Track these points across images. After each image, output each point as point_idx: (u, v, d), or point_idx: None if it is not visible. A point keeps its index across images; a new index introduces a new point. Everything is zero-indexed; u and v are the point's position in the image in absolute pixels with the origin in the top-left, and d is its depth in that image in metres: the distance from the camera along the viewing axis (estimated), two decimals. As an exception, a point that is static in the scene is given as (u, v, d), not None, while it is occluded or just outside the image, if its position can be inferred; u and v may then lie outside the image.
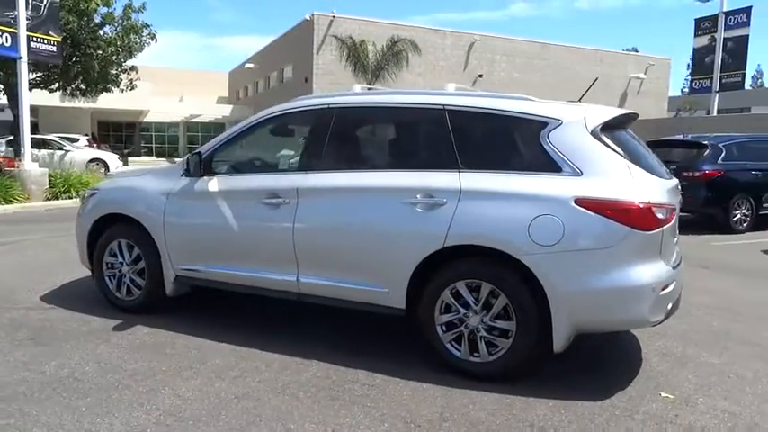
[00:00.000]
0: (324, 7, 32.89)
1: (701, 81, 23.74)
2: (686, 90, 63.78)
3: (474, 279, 3.47)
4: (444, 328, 3.59)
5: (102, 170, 20.42)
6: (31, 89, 13.88)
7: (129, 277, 4.67)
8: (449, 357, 3.59)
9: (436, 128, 3.72)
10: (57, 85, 18.95)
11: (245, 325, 4.51)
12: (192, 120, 45.87)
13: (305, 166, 4.08)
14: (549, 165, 3.39)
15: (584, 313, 3.30)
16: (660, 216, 3.28)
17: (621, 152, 3.43)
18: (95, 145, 28.15)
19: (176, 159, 40.77)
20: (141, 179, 4.85)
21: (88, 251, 4.90)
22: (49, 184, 12.98)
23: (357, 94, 4.38)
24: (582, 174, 3.32)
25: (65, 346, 4.00)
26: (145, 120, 44.44)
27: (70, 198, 12.92)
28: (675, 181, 3.85)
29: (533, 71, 36.50)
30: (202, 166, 4.31)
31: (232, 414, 3.06)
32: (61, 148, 21.39)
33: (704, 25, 23.64)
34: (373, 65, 27.49)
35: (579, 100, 4.06)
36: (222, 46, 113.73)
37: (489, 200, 3.41)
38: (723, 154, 10.40)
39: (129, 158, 30.08)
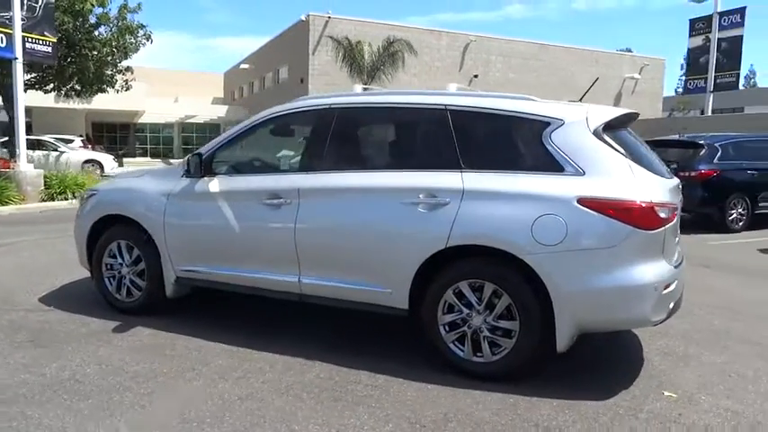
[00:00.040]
0: (318, 8, 32.89)
1: (696, 81, 23.84)
2: (680, 90, 64.06)
3: (477, 279, 3.47)
4: (447, 328, 3.59)
5: (98, 171, 20.32)
6: (25, 90, 13.81)
7: (129, 278, 4.65)
8: (452, 357, 3.58)
9: (438, 128, 3.72)
10: (51, 85, 18.90)
11: (246, 326, 4.50)
12: (188, 120, 45.73)
13: (306, 166, 4.07)
14: (551, 164, 3.40)
15: (587, 313, 3.31)
16: (662, 215, 3.29)
17: (623, 152, 3.44)
18: (90, 146, 28.00)
19: (171, 160, 40.80)
20: (141, 180, 4.83)
21: (87, 252, 4.87)
22: (45, 185, 12.91)
23: (358, 94, 4.38)
24: (584, 173, 3.32)
25: (65, 348, 3.97)
26: (139, 120, 44.28)
27: (66, 199, 12.86)
28: (676, 180, 3.86)
29: (529, 71, 36.57)
30: (203, 167, 4.30)
31: (236, 415, 3.05)
32: (56, 149, 21.28)
33: (699, 26, 23.75)
34: (369, 65, 27.48)
35: (580, 100, 4.06)
36: (216, 47, 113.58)
37: (492, 200, 3.41)
38: (719, 153, 10.44)
39: (124, 159, 29.99)
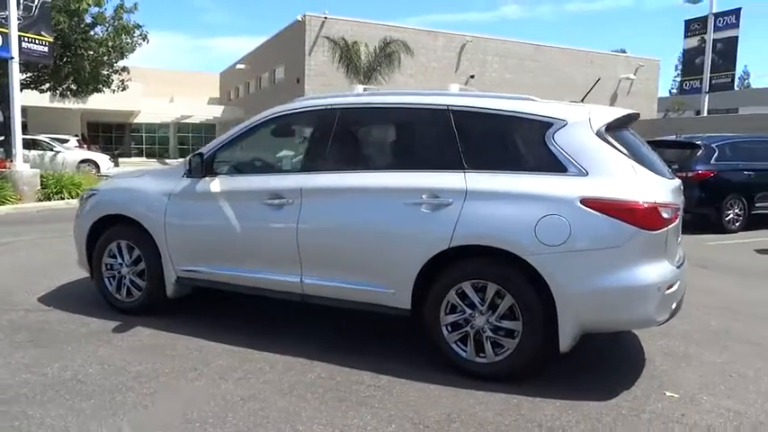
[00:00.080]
0: (313, 9, 32.89)
1: (691, 82, 23.95)
2: (674, 91, 64.35)
3: (480, 279, 3.48)
4: (450, 328, 3.59)
5: (94, 171, 20.24)
6: (21, 89, 13.75)
7: (129, 279, 4.64)
8: (454, 358, 3.58)
9: (440, 128, 3.72)
10: (47, 85, 18.81)
11: (247, 326, 4.49)
12: (183, 121, 45.64)
13: (308, 166, 4.07)
14: (554, 165, 3.40)
15: (591, 313, 3.31)
16: (665, 216, 3.30)
17: (626, 152, 3.45)
18: (85, 146, 27.91)
19: (167, 160, 40.69)
20: (141, 180, 4.82)
21: (87, 253, 4.85)
22: (41, 185, 12.86)
23: (360, 94, 4.37)
24: (587, 174, 3.33)
25: (65, 348, 3.96)
26: (135, 120, 44.17)
27: (62, 199, 12.81)
28: (678, 181, 3.87)
29: (525, 72, 36.64)
30: (204, 167, 4.29)
31: (239, 416, 3.04)
32: (51, 149, 21.19)
33: (694, 26, 23.85)
34: (365, 66, 27.49)
35: (582, 100, 4.08)
36: (212, 47, 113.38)
37: (495, 200, 3.42)
38: (716, 154, 10.48)
39: (120, 159, 29.85)
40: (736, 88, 35.33)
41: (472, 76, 34.73)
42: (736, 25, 22.53)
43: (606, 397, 3.34)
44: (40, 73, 18.20)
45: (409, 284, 3.61)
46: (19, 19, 12.50)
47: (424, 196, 3.57)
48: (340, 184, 3.86)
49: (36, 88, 19.01)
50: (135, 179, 4.95)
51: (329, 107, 4.10)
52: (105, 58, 18.10)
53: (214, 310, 4.90)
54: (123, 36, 18.04)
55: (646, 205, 3.24)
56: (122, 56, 18.67)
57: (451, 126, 3.66)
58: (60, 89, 19.36)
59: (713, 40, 22.58)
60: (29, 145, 18.95)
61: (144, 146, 46.10)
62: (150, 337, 4.20)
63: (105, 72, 19.09)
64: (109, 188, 5.04)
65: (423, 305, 3.64)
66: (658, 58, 43.17)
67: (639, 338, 4.28)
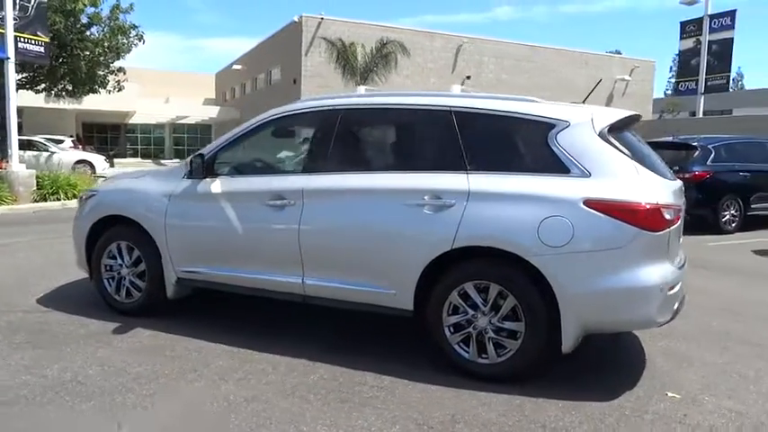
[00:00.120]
0: (306, 10, 32.79)
1: (687, 83, 24.01)
2: (669, 92, 64.56)
3: (482, 280, 3.47)
4: (452, 329, 3.58)
5: (89, 172, 20.16)
6: (16, 90, 13.69)
7: (129, 280, 4.61)
8: (457, 359, 3.58)
9: (443, 129, 3.72)
10: (43, 86, 18.75)
11: (247, 327, 4.48)
12: (179, 121, 45.55)
13: (311, 167, 4.06)
14: (557, 166, 3.40)
15: (593, 314, 3.32)
16: (668, 217, 3.31)
17: (629, 153, 3.46)
18: (80, 146, 27.80)
19: (163, 161, 40.58)
20: (141, 181, 4.80)
21: (86, 254, 4.83)
22: (37, 185, 12.80)
23: (362, 95, 4.36)
24: (590, 175, 3.33)
25: (65, 350, 3.94)
26: (130, 121, 44.06)
27: (58, 200, 12.75)
28: (679, 182, 3.88)
29: (521, 73, 36.73)
30: (205, 168, 4.28)
31: (242, 417, 3.03)
32: (47, 150, 21.10)
33: (689, 28, 23.93)
34: (362, 67, 27.49)
35: (584, 102, 4.08)
36: (204, 47, 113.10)
37: (498, 201, 3.42)
38: (712, 155, 10.53)
39: (115, 160, 29.77)
40: (730, 90, 35.49)
41: (468, 77, 34.79)
42: (732, 27, 22.61)
43: (608, 398, 3.35)
44: (36, 73, 18.15)
45: (412, 285, 3.60)
46: (15, 19, 12.45)
47: (426, 197, 3.56)
48: (342, 185, 3.85)
49: (32, 89, 18.96)
50: (135, 180, 4.93)
51: (331, 108, 4.09)
52: (101, 58, 18.07)
53: (213, 311, 4.89)
54: (119, 36, 18.02)
55: (648, 206, 3.24)
56: (118, 56, 18.64)
57: (454, 127, 3.66)
58: (56, 90, 19.30)
59: (708, 41, 22.66)
60: (24, 146, 18.86)
61: (139, 146, 46.01)
62: (150, 339, 4.18)
63: (101, 72, 19.04)
64: (108, 189, 5.02)
65: (425, 306, 3.63)
66: (653, 60, 43.43)
67: (640, 339, 4.29)
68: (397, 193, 3.66)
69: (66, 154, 21.79)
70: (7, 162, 12.82)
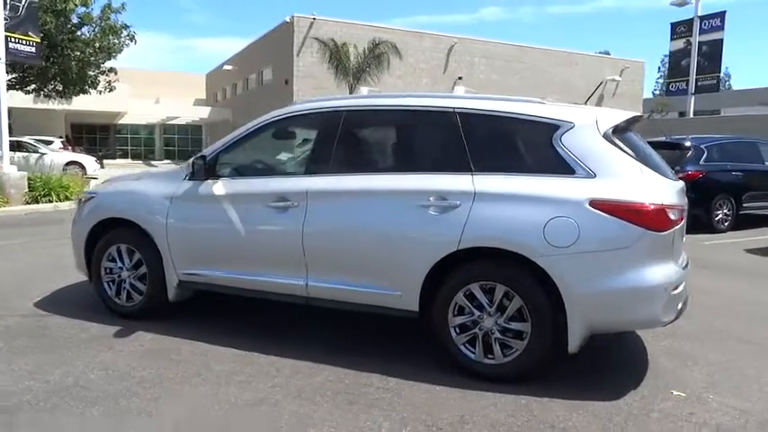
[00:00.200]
0: (296, 10, 32.76)
1: (678, 84, 24.23)
2: (657, 92, 65.03)
3: (488, 281, 3.48)
4: (458, 330, 3.59)
5: (80, 173, 19.99)
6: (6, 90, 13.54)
7: (130, 282, 4.58)
8: (462, 359, 3.58)
9: (447, 130, 3.72)
10: (33, 86, 18.56)
11: (248, 329, 4.46)
12: (169, 122, 45.31)
13: (314, 168, 4.05)
14: (562, 167, 3.42)
15: (599, 314, 3.33)
16: (672, 217, 3.34)
17: (633, 154, 3.48)
18: (70, 147, 27.58)
19: (153, 162, 40.34)
20: (141, 183, 4.77)
21: (86, 257, 4.79)
22: (29, 187, 12.66)
23: (365, 96, 4.36)
24: (595, 176, 3.35)
25: (66, 354, 3.90)
26: (120, 122, 43.76)
27: (50, 202, 12.63)
28: (681, 183, 3.90)
29: (512, 73, 36.86)
30: (206, 170, 4.25)
31: (251, 420, 3.02)
32: (36, 151, 20.91)
33: (680, 29, 24.15)
34: (355, 67, 27.47)
35: (585, 103, 4.10)
36: (195, 47, 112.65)
37: (503, 202, 3.43)
38: (705, 155, 10.62)
39: (105, 161, 29.55)
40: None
41: (460, 78, 34.86)
42: (722, 28, 22.85)
43: (614, 397, 3.36)
44: (26, 74, 17.96)
45: (417, 287, 3.61)
46: (6, 19, 12.33)
47: (431, 198, 3.57)
48: (346, 186, 3.85)
49: (21, 89, 18.75)
50: (134, 182, 4.89)
51: (334, 109, 4.09)
52: (92, 58, 17.90)
53: (214, 313, 4.86)
54: (110, 36, 17.86)
55: (654, 207, 3.27)
56: (110, 56, 18.49)
57: (458, 128, 3.67)
58: (46, 90, 19.12)
59: (699, 42, 22.89)
60: (13, 147, 18.64)
61: (129, 147, 45.72)
62: (152, 342, 4.15)
63: (92, 73, 18.87)
64: (108, 191, 4.98)
65: (431, 307, 3.64)
66: (643, 60, 43.69)
67: (642, 339, 4.31)
68: (401, 195, 3.66)
69: (57, 155, 21.61)
70: (-2, 164, 12.69)
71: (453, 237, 3.47)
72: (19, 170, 13.27)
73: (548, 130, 3.51)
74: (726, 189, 10.67)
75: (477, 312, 3.51)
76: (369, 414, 3.11)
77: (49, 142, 24.30)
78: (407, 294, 3.64)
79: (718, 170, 10.63)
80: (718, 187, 10.57)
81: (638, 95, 42.80)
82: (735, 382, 3.65)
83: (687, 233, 3.99)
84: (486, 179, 3.51)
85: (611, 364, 3.98)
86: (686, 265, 3.75)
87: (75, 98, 20.74)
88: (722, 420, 3.14)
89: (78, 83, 18.52)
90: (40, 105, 26.06)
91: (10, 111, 15.76)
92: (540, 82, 36.27)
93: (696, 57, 22.82)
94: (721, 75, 26.35)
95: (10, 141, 15.25)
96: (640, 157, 3.53)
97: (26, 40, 13.03)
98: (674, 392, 3.47)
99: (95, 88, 19.48)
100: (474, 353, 3.55)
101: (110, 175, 6.48)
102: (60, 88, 18.89)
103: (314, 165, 4.09)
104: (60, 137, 30.19)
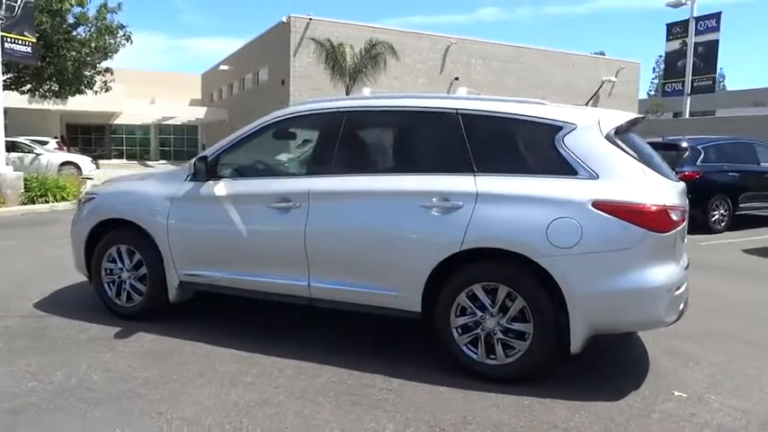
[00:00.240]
0: (291, 11, 32.80)
1: (674, 84, 24.31)
2: (652, 93, 65.23)
3: (491, 282, 3.49)
4: (460, 330, 3.60)
5: (75, 173, 19.91)
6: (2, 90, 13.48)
7: (130, 283, 4.57)
8: (465, 360, 3.59)
9: (450, 131, 3.73)
10: (28, 86, 18.49)
11: (249, 330, 4.46)
12: (165, 122, 45.19)
13: (316, 169, 4.05)
14: (564, 168, 3.43)
15: (602, 314, 3.35)
16: (674, 218, 3.35)
17: (635, 155, 3.50)
18: (65, 148, 27.47)
19: (149, 162, 40.22)
20: (141, 183, 4.76)
21: (85, 257, 4.77)
22: (25, 188, 12.61)
23: (368, 97, 4.36)
24: (598, 177, 3.36)
25: (67, 355, 3.89)
26: (115, 122, 43.61)
27: (47, 203, 12.57)
28: (683, 184, 3.92)
29: (508, 74, 36.93)
30: (208, 170, 4.25)
31: (256, 421, 3.02)
32: (31, 152, 20.82)
33: (675, 30, 24.23)
34: (351, 68, 27.48)
35: (586, 104, 4.11)
36: (189, 47, 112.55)
37: (506, 203, 3.44)
38: (701, 156, 10.67)
39: (100, 161, 29.43)
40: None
41: (456, 78, 34.91)
42: (717, 29, 22.94)
43: (616, 397, 3.38)
44: (21, 74, 17.90)
45: (419, 287, 3.61)
46: (2, 19, 12.29)
47: (434, 199, 3.58)
48: (348, 187, 3.85)
49: (17, 89, 18.68)
50: (135, 182, 4.89)
51: (336, 110, 4.09)
52: (88, 58, 17.85)
53: (214, 314, 4.86)
54: (106, 36, 17.82)
55: (656, 208, 3.28)
56: (105, 56, 18.44)
57: (461, 129, 3.68)
58: (41, 90, 19.05)
59: (694, 43, 22.98)
60: (8, 147, 18.56)
61: (124, 147, 45.59)
62: (153, 343, 4.14)
63: (88, 73, 18.82)
64: (108, 192, 4.96)
65: (433, 308, 3.64)
66: (638, 61, 43.84)
67: (642, 340, 4.33)
68: (404, 195, 3.67)
69: (52, 155, 21.53)
70: (-6, 164, 12.63)
71: (456, 237, 3.48)
72: (15, 171, 13.22)
73: (550, 132, 3.52)
74: (722, 190, 10.72)
75: (479, 313, 3.52)
76: (373, 415, 3.11)
77: (45, 142, 24.18)
78: (410, 295, 3.65)
79: (715, 171, 10.69)
80: (715, 188, 10.62)
81: (634, 96, 42.95)
82: (736, 383, 3.67)
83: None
84: (489, 180, 3.52)
85: (612, 364, 3.99)
86: (687, 266, 3.76)
87: (70, 98, 20.68)
88: (724, 421, 3.16)
89: (74, 83, 18.47)
90: (35, 106, 25.99)
91: (6, 111, 15.71)
92: (536, 83, 36.35)
93: (692, 58, 22.92)
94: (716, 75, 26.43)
95: (5, 142, 15.22)
96: (642, 159, 3.54)
97: (22, 41, 12.98)
98: (676, 393, 3.48)
99: (91, 88, 19.43)
100: (476, 353, 3.56)
101: (105, 176, 6.48)
102: (56, 88, 18.85)
103: (316, 165, 4.10)
104: (55, 137, 30.08)
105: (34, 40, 13.48)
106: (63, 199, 12.94)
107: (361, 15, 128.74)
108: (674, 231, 3.36)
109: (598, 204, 3.28)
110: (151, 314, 4.56)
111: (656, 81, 70.34)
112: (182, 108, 45.11)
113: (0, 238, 8.57)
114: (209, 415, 3.08)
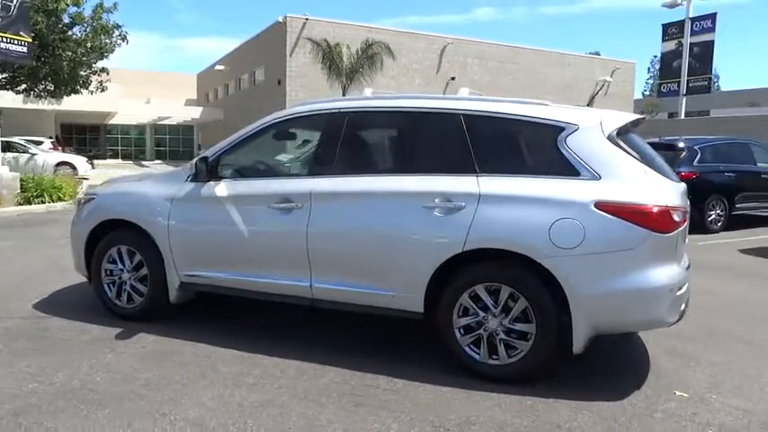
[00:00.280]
0: (286, 11, 32.77)
1: (669, 85, 24.41)
2: (647, 93, 65.45)
3: (493, 282, 3.50)
4: (462, 331, 3.60)
5: (71, 173, 19.83)
6: (-1, 90, 13.46)
7: (130, 284, 4.56)
8: (467, 360, 3.60)
9: (452, 132, 3.73)
10: (23, 86, 18.38)
11: (251, 331, 4.45)
12: (160, 122, 45.07)
13: (318, 170, 4.05)
14: (566, 169, 3.44)
15: (604, 315, 3.36)
16: (676, 218, 3.37)
17: (637, 156, 3.51)
18: (60, 148, 27.37)
19: (144, 162, 40.10)
20: (141, 184, 4.75)
21: (85, 258, 4.76)
22: (21, 188, 12.56)
23: (369, 98, 4.36)
24: (600, 177, 3.37)
25: (68, 356, 3.88)
26: (110, 122, 43.47)
27: (43, 203, 12.52)
28: (684, 185, 3.94)
29: (505, 74, 37.00)
30: (209, 171, 4.24)
31: (259, 422, 3.01)
32: (26, 152, 20.75)
33: (671, 30, 24.33)
34: (348, 68, 27.47)
35: (587, 105, 4.12)
36: (184, 47, 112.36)
37: (509, 203, 3.44)
38: (698, 156, 10.70)
39: (95, 161, 29.32)
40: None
41: (453, 79, 34.96)
42: (712, 29, 23.06)
43: (618, 397, 3.39)
44: (16, 73, 17.78)
45: (422, 288, 3.62)
46: (-2, 19, 12.22)
47: (436, 200, 3.58)
48: (351, 187, 3.85)
49: (12, 89, 18.55)
50: (135, 183, 4.87)
51: (338, 110, 4.09)
52: (84, 58, 17.73)
53: (214, 314, 4.85)
54: (102, 36, 17.70)
55: (658, 209, 3.29)
56: (101, 56, 18.32)
57: (463, 130, 3.68)
58: (37, 90, 18.93)
59: (690, 43, 23.08)
60: (3, 147, 18.50)
61: (119, 147, 45.44)
62: (154, 344, 4.13)
63: (84, 73, 18.70)
64: (108, 192, 4.95)
65: (436, 308, 3.65)
66: (634, 61, 43.97)
67: (643, 340, 4.34)
68: (406, 196, 3.67)
69: (48, 156, 21.45)
70: (-10, 165, 12.58)
71: (458, 238, 3.48)
72: (10, 171, 13.17)
73: (552, 132, 3.53)
74: (719, 190, 10.76)
75: (481, 313, 3.53)
76: (377, 416, 3.11)
77: (39, 143, 24.10)
78: (413, 296, 3.65)
79: (712, 171, 10.73)
80: (712, 188, 10.66)
81: (630, 96, 43.09)
82: (736, 383, 3.69)
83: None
84: (491, 181, 3.53)
85: (614, 364, 4.00)
86: (688, 267, 3.78)
87: (65, 98, 20.56)
88: (725, 420, 3.17)
89: (70, 83, 18.33)
90: (29, 105, 25.86)
91: (0, 111, 15.63)
92: (533, 83, 36.42)
93: (687, 58, 23.01)
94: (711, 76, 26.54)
95: (1, 142, 15.15)
96: (644, 159, 3.56)
97: (17, 40, 12.90)
98: (677, 393, 3.50)
99: (87, 88, 19.30)
100: (479, 354, 3.56)
101: (101, 176, 6.45)
102: (51, 88, 18.71)
103: (318, 166, 4.09)
104: (50, 137, 29.93)
105: (30, 40, 13.39)
106: (59, 199, 12.89)
107: (358, 15, 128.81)
108: (675, 232, 3.37)
109: (600, 205, 3.29)
110: (152, 315, 4.55)
111: (650, 81, 70.57)
112: (177, 108, 45.00)
113: (-3, 239, 8.54)
114: (212, 416, 3.08)
